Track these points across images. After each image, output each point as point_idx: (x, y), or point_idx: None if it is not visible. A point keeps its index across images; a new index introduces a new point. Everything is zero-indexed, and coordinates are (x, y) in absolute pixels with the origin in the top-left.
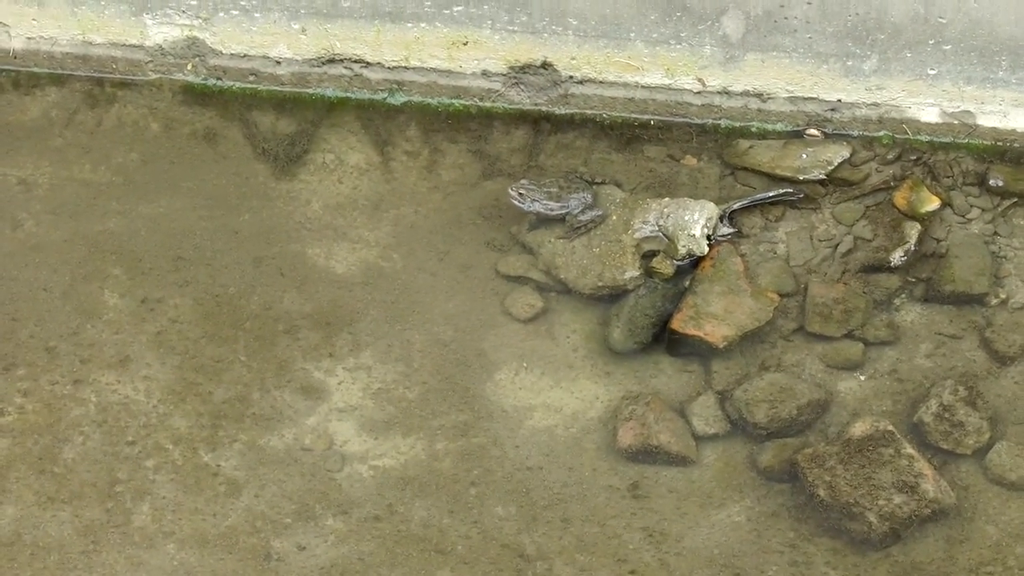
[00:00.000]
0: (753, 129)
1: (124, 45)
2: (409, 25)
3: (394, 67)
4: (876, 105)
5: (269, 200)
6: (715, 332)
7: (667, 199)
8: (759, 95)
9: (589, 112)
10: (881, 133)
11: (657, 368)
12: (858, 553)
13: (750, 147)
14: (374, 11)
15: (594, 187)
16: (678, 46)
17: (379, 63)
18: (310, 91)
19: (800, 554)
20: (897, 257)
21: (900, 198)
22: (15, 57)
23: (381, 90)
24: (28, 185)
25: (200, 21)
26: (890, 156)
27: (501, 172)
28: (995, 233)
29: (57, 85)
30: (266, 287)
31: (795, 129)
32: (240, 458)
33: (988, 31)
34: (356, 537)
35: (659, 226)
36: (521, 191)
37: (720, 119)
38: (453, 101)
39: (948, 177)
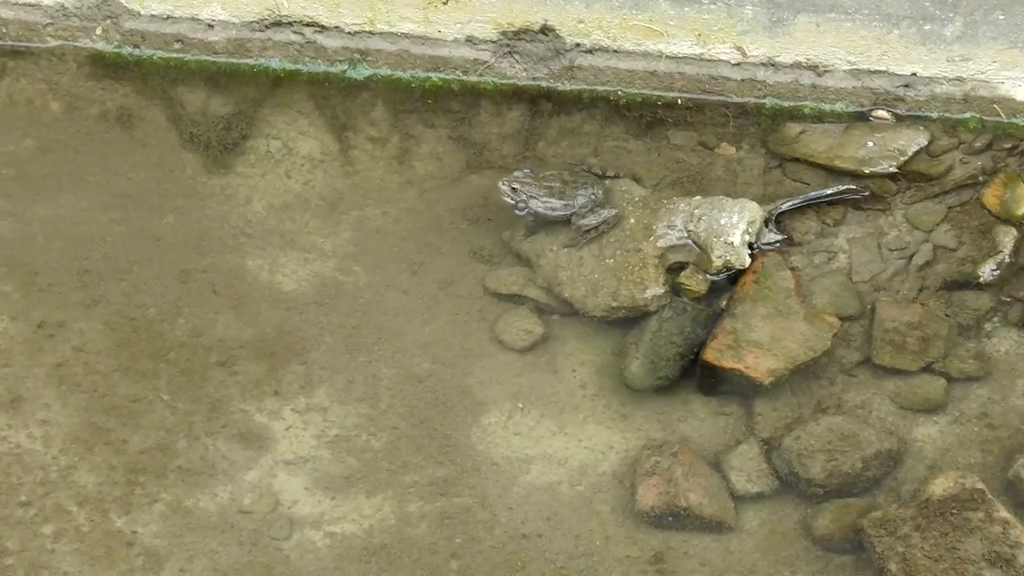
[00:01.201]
0: (806, 110)
1: (15, 3)
2: None
3: (356, 32)
4: (960, 80)
5: (199, 199)
6: (759, 365)
7: (698, 198)
8: (813, 68)
9: (600, 89)
10: (967, 115)
11: (686, 410)
12: None
13: (802, 133)
14: None
15: (606, 182)
16: (712, 6)
17: (337, 27)
18: (251, 62)
19: None
20: (987, 271)
21: (991, 197)
22: None
23: (340, 61)
24: None
25: None
26: (978, 144)
27: (490, 164)
28: None
29: None
30: (195, 308)
31: (859, 110)
32: (162, 523)
33: None
34: None
35: (688, 232)
36: (515, 187)
37: (764, 97)
38: (430, 75)
39: None
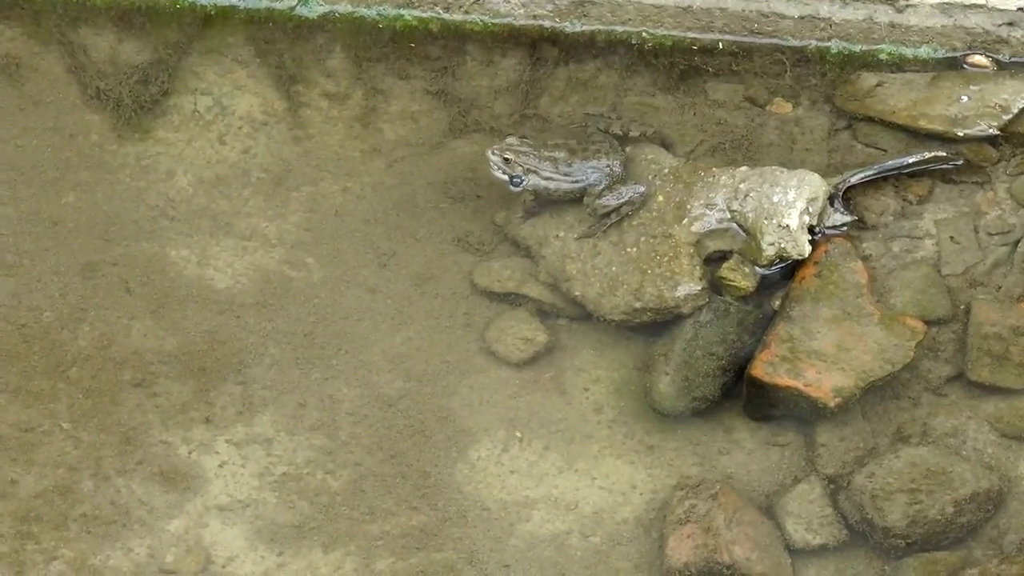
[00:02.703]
0: (882, 56)
1: None
2: None
3: None
4: None
5: (108, 171)
6: (822, 382)
7: (745, 168)
8: (892, 1)
9: (620, 30)
10: None
11: (730, 440)
12: None
13: (878, 85)
14: None
15: (627, 148)
16: None
17: None
18: None
19: None
20: None
21: None
22: None
23: None
24: None
25: None
26: None
27: (479, 126)
28: None
29: None
30: (103, 311)
31: (950, 55)
32: None
33: None
34: None
35: (732, 212)
36: (508, 156)
37: (829, 39)
38: (401, 12)
39: None
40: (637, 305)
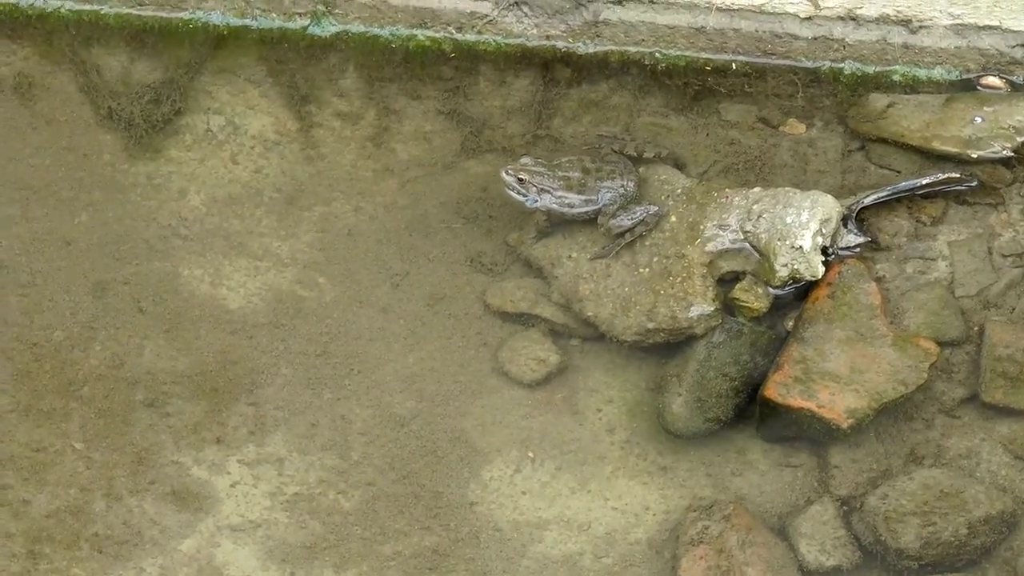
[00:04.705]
0: (896, 77)
1: None
2: None
3: None
4: None
5: (120, 191)
6: (836, 404)
7: (758, 189)
8: (906, 22)
9: (633, 50)
10: None
11: (743, 461)
12: None
13: (890, 106)
14: None
15: (640, 170)
16: None
17: None
18: (185, 15)
19: None
20: None
21: None
22: None
23: (300, 14)
24: None
25: None
26: None
27: (492, 146)
28: None
29: None
30: (115, 331)
31: (964, 77)
32: None
33: None
34: None
35: (745, 233)
36: (523, 176)
37: (843, 61)
38: (415, 32)
39: None
40: (650, 326)
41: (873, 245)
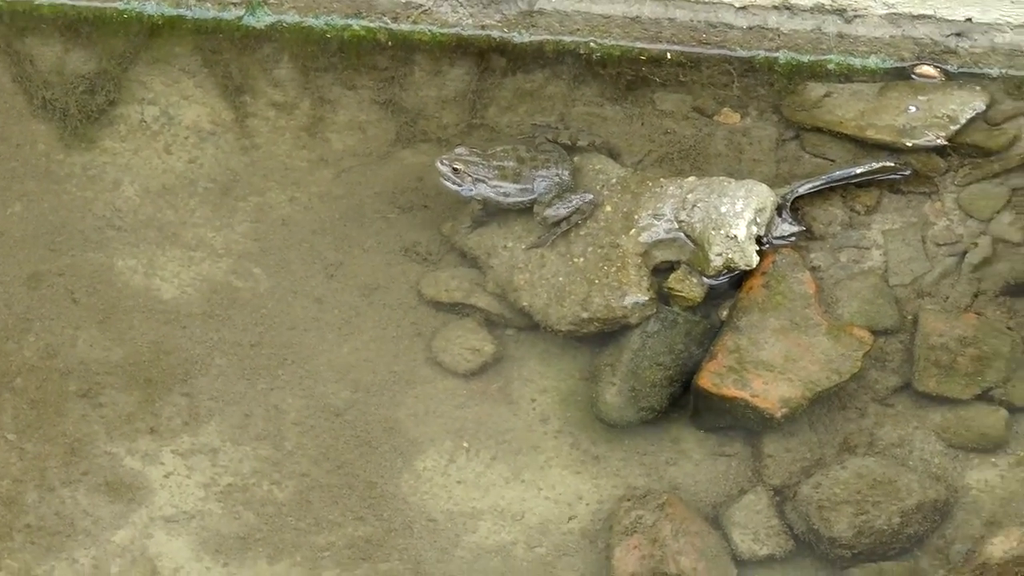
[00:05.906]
0: (831, 66)
1: None
2: None
3: None
4: None
5: (55, 181)
6: (769, 393)
7: (692, 179)
8: (840, 11)
9: (568, 40)
10: None
11: (677, 450)
12: None
13: (826, 95)
14: None
15: (575, 159)
16: None
17: None
18: (120, 5)
19: None
20: None
21: None
22: None
23: (234, 4)
24: None
25: None
26: None
27: (427, 136)
28: None
29: None
30: (49, 321)
31: (898, 66)
32: None
33: None
34: None
35: (679, 223)
36: (457, 166)
37: (777, 50)
38: (350, 22)
39: None
40: (584, 315)
41: (807, 234)
